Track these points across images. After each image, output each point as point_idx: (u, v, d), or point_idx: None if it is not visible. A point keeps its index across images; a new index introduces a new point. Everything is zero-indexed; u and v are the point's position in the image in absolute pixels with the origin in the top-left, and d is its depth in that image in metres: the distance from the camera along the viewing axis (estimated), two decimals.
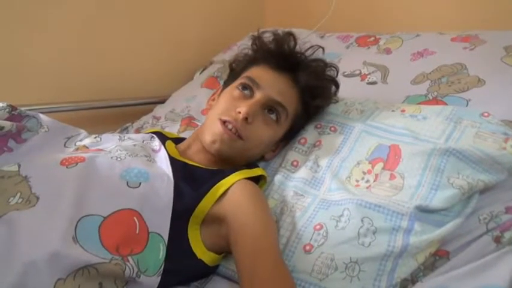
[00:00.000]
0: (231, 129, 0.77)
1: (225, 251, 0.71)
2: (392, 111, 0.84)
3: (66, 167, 0.64)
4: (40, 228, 0.55)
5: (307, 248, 0.65)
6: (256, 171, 0.78)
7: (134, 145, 0.76)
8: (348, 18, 1.45)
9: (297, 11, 1.62)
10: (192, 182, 0.72)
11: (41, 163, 0.66)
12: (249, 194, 0.71)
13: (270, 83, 0.82)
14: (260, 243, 0.63)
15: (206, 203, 0.69)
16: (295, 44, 0.88)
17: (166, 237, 0.62)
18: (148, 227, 0.61)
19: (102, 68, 1.30)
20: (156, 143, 0.81)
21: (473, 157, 0.68)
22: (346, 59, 1.15)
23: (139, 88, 1.39)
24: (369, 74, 1.08)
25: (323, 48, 0.91)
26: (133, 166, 0.67)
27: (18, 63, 1.14)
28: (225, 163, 0.80)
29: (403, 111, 0.83)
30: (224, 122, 0.78)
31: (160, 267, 0.60)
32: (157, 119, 1.25)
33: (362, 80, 1.08)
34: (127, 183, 0.64)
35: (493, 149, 0.69)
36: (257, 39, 0.90)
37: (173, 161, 0.76)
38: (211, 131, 0.79)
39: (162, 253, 0.60)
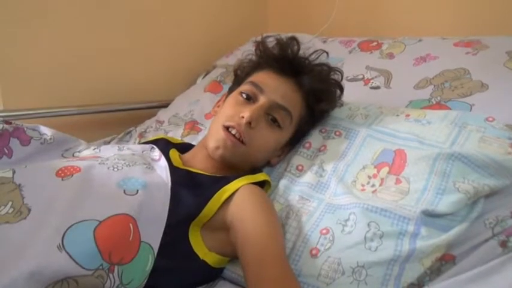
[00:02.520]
0: (234, 135, 0.77)
1: (231, 257, 0.71)
2: (397, 115, 0.85)
3: (62, 179, 0.63)
4: (25, 244, 0.53)
5: (314, 252, 0.66)
6: (259, 177, 0.79)
7: (133, 154, 0.76)
8: (350, 23, 1.46)
9: (299, 16, 1.63)
10: (195, 188, 0.72)
11: (36, 172, 0.65)
12: (255, 199, 0.71)
13: (273, 87, 0.82)
14: (267, 248, 0.63)
15: (210, 208, 0.69)
16: (299, 48, 0.88)
17: (156, 249, 0.61)
18: (141, 235, 0.60)
19: (105, 73, 1.31)
20: (156, 153, 0.80)
21: (479, 162, 0.68)
22: (348, 64, 1.16)
23: (143, 92, 1.39)
24: (372, 78, 1.09)
25: (327, 53, 0.91)
26: (130, 175, 0.66)
27: (22, 68, 1.14)
28: (230, 170, 0.80)
29: (407, 115, 0.83)
30: (227, 128, 0.78)
31: (145, 279, 0.59)
32: (161, 123, 1.25)
33: (365, 84, 1.08)
34: (124, 191, 0.63)
35: (498, 153, 0.70)
36: (260, 44, 0.91)
37: (176, 169, 0.76)
38: (215, 137, 0.79)
39: (149, 265, 0.59)
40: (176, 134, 1.14)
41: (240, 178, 0.74)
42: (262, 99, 0.81)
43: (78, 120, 1.26)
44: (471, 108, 0.87)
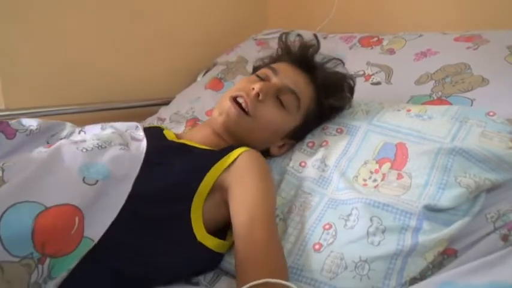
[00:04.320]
0: (241, 104, 0.80)
1: (224, 223, 0.72)
2: (398, 111, 0.85)
3: (36, 153, 0.64)
4: None
5: (317, 247, 0.66)
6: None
7: (112, 133, 0.75)
8: (351, 19, 1.45)
9: (299, 12, 1.63)
10: (192, 159, 0.73)
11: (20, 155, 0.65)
12: (254, 163, 0.74)
13: (287, 73, 0.85)
14: (258, 212, 0.66)
15: (213, 174, 0.71)
16: (319, 47, 0.91)
17: (96, 241, 0.58)
18: (85, 230, 0.57)
19: (105, 71, 1.31)
20: (140, 133, 0.78)
21: (480, 156, 0.69)
22: (349, 60, 1.15)
23: (143, 90, 1.39)
24: (373, 74, 1.09)
25: (343, 63, 0.94)
26: (96, 161, 0.64)
27: (23, 67, 1.14)
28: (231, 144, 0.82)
29: (408, 111, 0.84)
30: (235, 98, 0.80)
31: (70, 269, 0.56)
32: (162, 120, 1.26)
33: (366, 80, 1.08)
34: (83, 178, 0.61)
35: (499, 148, 0.70)
36: (282, 41, 0.94)
37: (170, 143, 0.79)
38: (221, 107, 0.82)
39: (82, 256, 0.57)
40: (178, 131, 1.14)
41: (242, 147, 0.77)
42: (274, 79, 0.84)
43: (79, 119, 1.25)
44: (472, 103, 0.87)
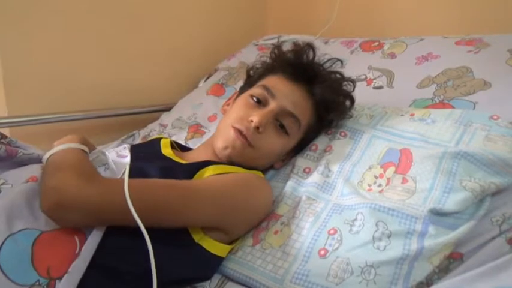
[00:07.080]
0: (245, 136, 0.78)
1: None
2: (402, 115, 0.85)
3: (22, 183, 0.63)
4: None
5: (322, 252, 0.66)
6: (256, 173, 0.79)
7: (97, 157, 0.75)
8: (351, 24, 1.46)
9: (300, 18, 1.63)
10: (182, 168, 0.73)
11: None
12: (243, 178, 0.73)
13: (285, 93, 0.82)
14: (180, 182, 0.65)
15: (202, 173, 0.71)
16: (314, 55, 0.88)
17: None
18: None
19: (108, 78, 1.31)
20: (127, 150, 0.79)
21: (485, 160, 0.69)
22: (351, 64, 1.16)
23: (146, 96, 1.40)
24: (375, 78, 1.09)
25: (341, 61, 0.91)
26: None
27: (26, 74, 1.14)
28: None
29: (412, 115, 0.84)
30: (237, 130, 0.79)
31: None
32: (164, 126, 1.26)
33: (368, 84, 1.09)
34: None
35: (504, 151, 0.70)
36: (276, 49, 0.91)
37: (163, 157, 0.78)
38: (224, 137, 0.80)
39: None
40: (180, 138, 1.14)
41: (230, 165, 0.76)
42: (272, 104, 0.81)
43: (82, 126, 1.26)
44: (474, 107, 0.87)
